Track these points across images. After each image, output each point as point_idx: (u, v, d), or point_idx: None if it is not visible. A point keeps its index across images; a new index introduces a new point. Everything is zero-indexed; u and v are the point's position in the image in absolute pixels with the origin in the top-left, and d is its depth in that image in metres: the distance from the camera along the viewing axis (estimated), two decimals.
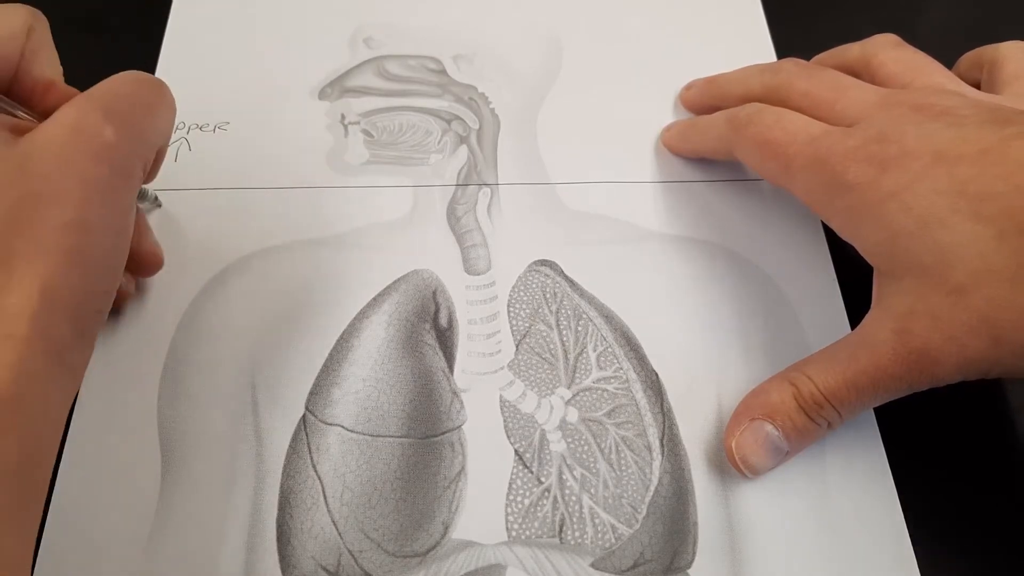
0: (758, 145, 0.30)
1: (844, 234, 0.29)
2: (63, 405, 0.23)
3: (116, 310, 0.32)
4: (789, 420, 0.28)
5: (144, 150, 0.26)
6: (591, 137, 0.38)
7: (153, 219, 0.34)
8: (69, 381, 0.23)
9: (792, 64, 0.33)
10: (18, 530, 0.21)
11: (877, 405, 0.28)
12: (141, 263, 0.31)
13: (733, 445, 0.29)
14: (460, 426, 0.30)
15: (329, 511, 0.28)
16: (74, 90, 0.27)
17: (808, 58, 0.35)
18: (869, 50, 0.33)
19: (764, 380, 0.29)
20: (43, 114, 0.25)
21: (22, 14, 0.26)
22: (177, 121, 0.37)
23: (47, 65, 0.27)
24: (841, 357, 0.27)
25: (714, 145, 0.34)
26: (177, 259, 0.33)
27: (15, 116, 0.26)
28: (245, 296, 0.33)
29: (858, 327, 0.28)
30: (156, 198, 0.35)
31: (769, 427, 0.28)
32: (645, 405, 0.31)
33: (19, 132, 0.24)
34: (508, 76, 0.39)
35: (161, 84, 0.27)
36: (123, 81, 0.26)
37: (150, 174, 0.29)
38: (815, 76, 0.32)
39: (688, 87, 0.39)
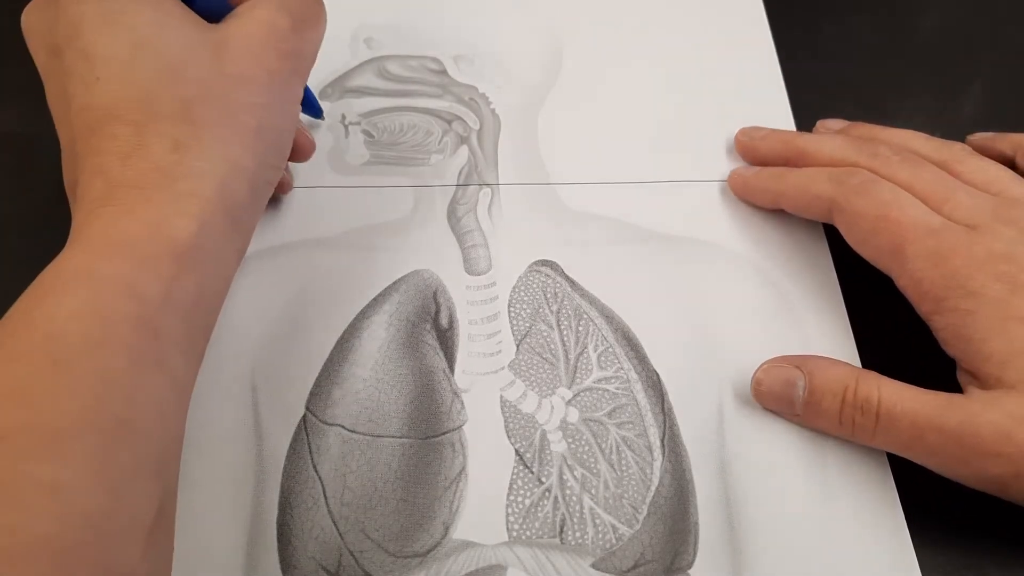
0: (873, 218, 0.30)
1: (951, 333, 0.29)
2: (234, 260, 0.27)
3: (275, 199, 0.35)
4: (824, 397, 0.29)
5: (312, 55, 0.30)
6: (591, 137, 0.38)
7: None
8: (240, 239, 0.27)
9: (889, 151, 0.32)
10: (186, 357, 0.24)
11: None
12: (299, 148, 0.33)
13: (764, 367, 0.30)
14: (461, 426, 0.30)
15: (330, 511, 0.28)
16: None
17: (812, 62, 0.35)
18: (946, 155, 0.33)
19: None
20: None
21: None
22: None
23: None
24: (925, 394, 0.28)
25: (807, 201, 0.33)
26: None
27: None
28: (245, 296, 0.33)
29: (953, 394, 0.28)
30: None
31: (801, 384, 0.29)
32: (646, 405, 0.31)
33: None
34: (508, 76, 0.39)
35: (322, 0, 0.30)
36: None
37: None
38: (921, 172, 0.31)
39: (753, 135, 0.36)
